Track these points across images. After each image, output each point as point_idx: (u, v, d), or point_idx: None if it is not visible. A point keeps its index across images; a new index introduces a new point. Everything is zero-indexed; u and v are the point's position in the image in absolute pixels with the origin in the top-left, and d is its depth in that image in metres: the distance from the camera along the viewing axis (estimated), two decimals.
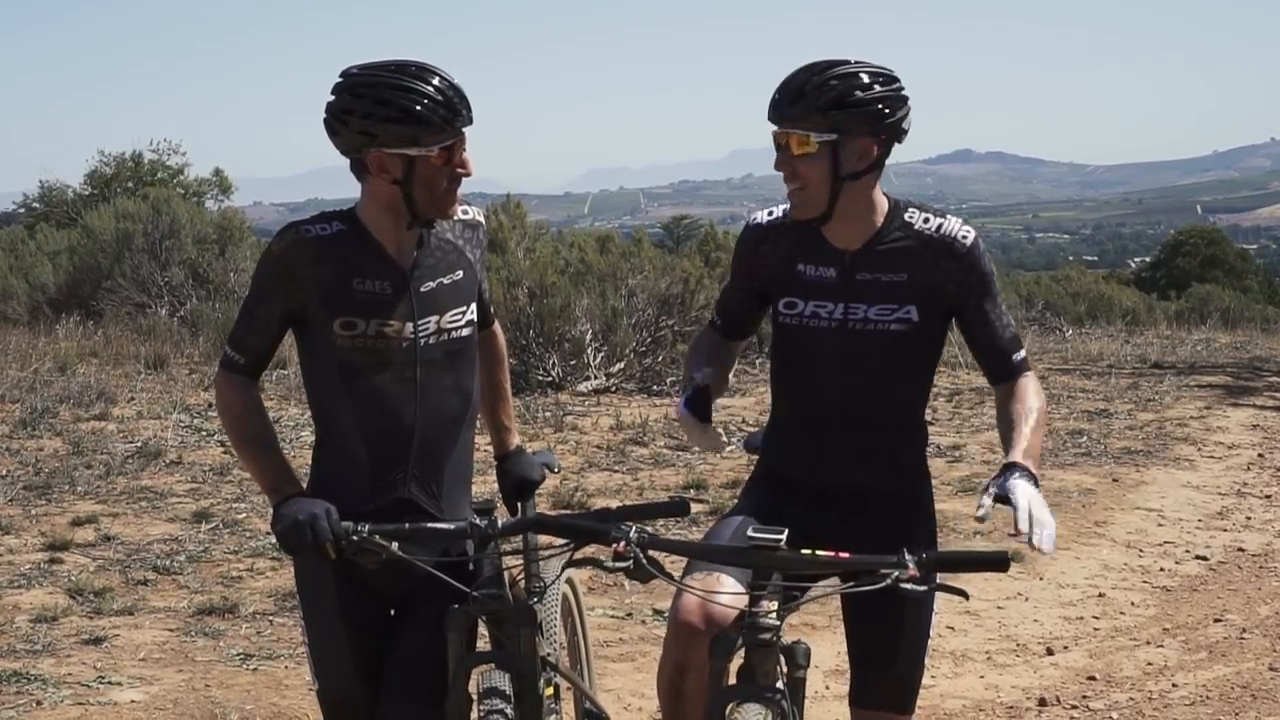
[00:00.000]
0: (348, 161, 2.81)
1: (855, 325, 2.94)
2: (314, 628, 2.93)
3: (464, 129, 2.76)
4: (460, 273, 2.92)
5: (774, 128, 2.89)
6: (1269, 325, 21.38)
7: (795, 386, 3.07)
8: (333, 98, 2.75)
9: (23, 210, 28.38)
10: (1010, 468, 2.74)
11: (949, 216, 2.96)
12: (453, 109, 2.73)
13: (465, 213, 2.93)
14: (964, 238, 2.92)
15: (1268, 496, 8.41)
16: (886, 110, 2.85)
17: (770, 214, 3.06)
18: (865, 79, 2.84)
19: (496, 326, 3.22)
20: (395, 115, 2.69)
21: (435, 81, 2.72)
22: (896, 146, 2.92)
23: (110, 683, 4.97)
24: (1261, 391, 12.80)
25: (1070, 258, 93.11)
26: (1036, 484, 2.71)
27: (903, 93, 2.89)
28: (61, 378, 11.74)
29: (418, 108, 2.69)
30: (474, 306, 2.94)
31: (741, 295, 3.16)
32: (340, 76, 2.78)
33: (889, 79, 2.87)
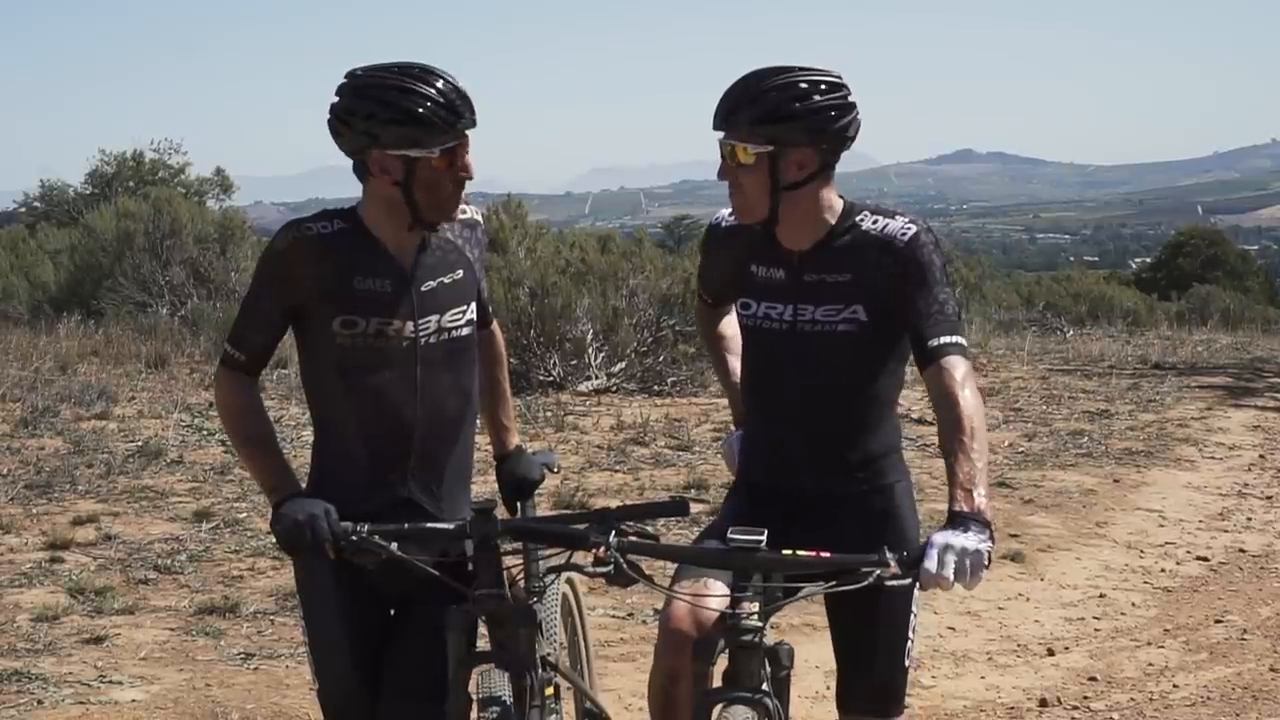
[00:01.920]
0: (348, 161, 2.81)
1: (804, 326, 2.90)
2: (314, 627, 2.92)
3: (466, 132, 2.77)
4: (460, 272, 2.91)
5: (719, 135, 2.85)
6: (1270, 326, 21.40)
7: (756, 389, 3.05)
8: (337, 99, 2.77)
9: (24, 209, 28.45)
10: (954, 520, 2.55)
11: (899, 216, 2.88)
12: (454, 111, 2.73)
13: (464, 212, 2.93)
14: (903, 233, 2.83)
15: (1269, 497, 8.41)
16: (825, 119, 2.78)
17: (731, 214, 3.02)
18: (803, 88, 2.77)
19: (495, 326, 3.22)
20: (397, 116, 2.70)
21: (438, 84, 2.73)
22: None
23: (111, 682, 4.97)
24: (1262, 392, 12.80)
25: (1071, 258, 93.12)
26: (985, 529, 2.54)
27: (847, 99, 2.81)
28: (62, 377, 11.75)
29: (419, 109, 2.69)
30: (474, 306, 2.94)
31: (716, 273, 3.17)
32: (345, 78, 2.79)
33: (832, 86, 2.80)
